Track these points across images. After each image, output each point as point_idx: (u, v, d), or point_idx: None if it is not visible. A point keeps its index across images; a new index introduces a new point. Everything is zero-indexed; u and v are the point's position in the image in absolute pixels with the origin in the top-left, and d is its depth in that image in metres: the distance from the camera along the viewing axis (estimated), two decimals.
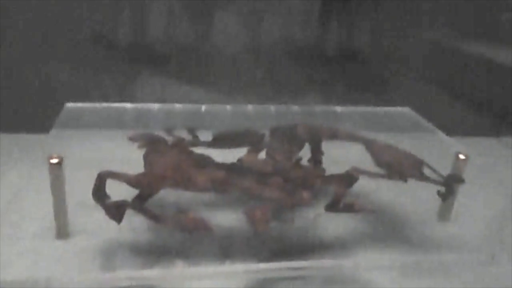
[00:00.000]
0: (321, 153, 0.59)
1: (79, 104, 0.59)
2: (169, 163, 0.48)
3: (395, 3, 0.73)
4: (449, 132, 0.69)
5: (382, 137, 0.57)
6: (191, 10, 0.69)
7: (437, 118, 0.73)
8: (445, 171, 0.54)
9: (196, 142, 0.56)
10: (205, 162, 0.50)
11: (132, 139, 0.53)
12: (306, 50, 0.73)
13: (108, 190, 0.46)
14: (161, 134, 0.55)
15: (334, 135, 0.58)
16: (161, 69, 0.71)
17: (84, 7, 0.67)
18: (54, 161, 0.47)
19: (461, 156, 0.56)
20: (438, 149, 0.63)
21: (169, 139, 0.54)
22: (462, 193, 0.57)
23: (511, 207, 0.63)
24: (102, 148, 0.61)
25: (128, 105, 0.60)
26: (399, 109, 0.71)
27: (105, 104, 0.59)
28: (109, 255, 0.48)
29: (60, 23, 0.67)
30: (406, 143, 0.57)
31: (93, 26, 0.68)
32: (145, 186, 0.46)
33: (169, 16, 0.69)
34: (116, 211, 0.44)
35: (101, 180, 0.46)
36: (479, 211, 0.62)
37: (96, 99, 0.60)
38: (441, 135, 0.66)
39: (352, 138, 0.58)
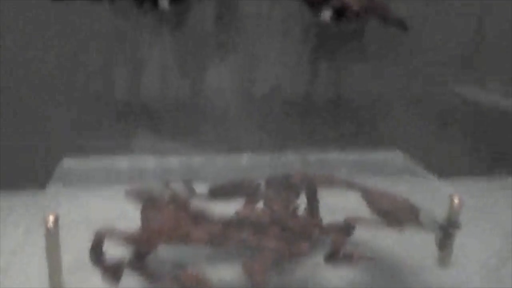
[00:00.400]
0: (317, 201, 0.59)
1: (76, 159, 0.59)
2: (166, 219, 0.48)
3: (383, 51, 0.76)
4: (441, 173, 0.70)
5: (375, 182, 0.58)
6: (184, 65, 0.71)
7: (428, 159, 0.75)
8: (440, 215, 0.54)
9: (193, 195, 0.56)
10: (202, 216, 0.50)
11: (128, 194, 0.53)
12: (298, 99, 0.75)
13: (106, 246, 0.45)
14: (158, 188, 0.55)
15: (329, 183, 0.59)
16: (156, 123, 0.72)
17: (80, 64, 0.69)
18: (50, 221, 0.47)
19: (456, 200, 0.57)
20: (430, 192, 0.64)
21: (166, 193, 0.54)
22: (460, 236, 0.58)
23: (508, 248, 0.63)
24: (99, 203, 0.61)
25: (124, 159, 0.60)
26: (389, 153, 0.72)
27: (101, 159, 0.60)
28: None
29: (55, 79, 0.69)
30: (399, 187, 0.58)
31: (89, 82, 0.70)
32: (143, 243, 0.46)
33: (163, 72, 0.71)
34: (113, 272, 0.43)
35: (97, 239, 0.45)
36: (477, 253, 0.62)
37: (92, 154, 0.60)
38: (432, 178, 0.67)
39: (347, 185, 0.58)
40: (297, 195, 0.57)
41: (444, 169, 0.75)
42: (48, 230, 0.47)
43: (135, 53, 0.71)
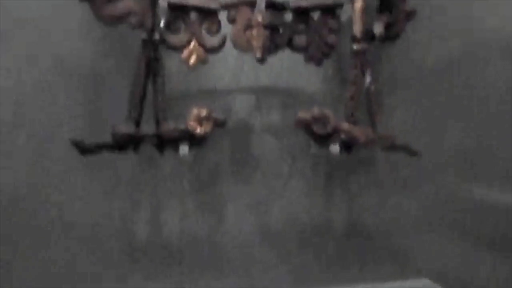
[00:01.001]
0: None
1: None
2: None
3: (393, 175, 0.78)
4: None
5: None
6: (202, 206, 0.74)
7: (457, 281, 0.71)
8: None
9: None
10: None
11: None
12: (314, 231, 0.75)
13: None
14: None
15: None
16: (177, 264, 0.72)
17: (98, 209, 0.71)
18: None
19: None
20: None
21: None
22: None
23: None
24: None
25: None
26: (417, 281, 0.70)
27: None
28: None
29: (78, 225, 0.70)
30: None
31: (109, 227, 0.72)
32: None
33: (182, 211, 0.73)
34: None
35: None
36: None
37: None
38: None
39: None
40: None
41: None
42: None
43: (155, 196, 0.74)
